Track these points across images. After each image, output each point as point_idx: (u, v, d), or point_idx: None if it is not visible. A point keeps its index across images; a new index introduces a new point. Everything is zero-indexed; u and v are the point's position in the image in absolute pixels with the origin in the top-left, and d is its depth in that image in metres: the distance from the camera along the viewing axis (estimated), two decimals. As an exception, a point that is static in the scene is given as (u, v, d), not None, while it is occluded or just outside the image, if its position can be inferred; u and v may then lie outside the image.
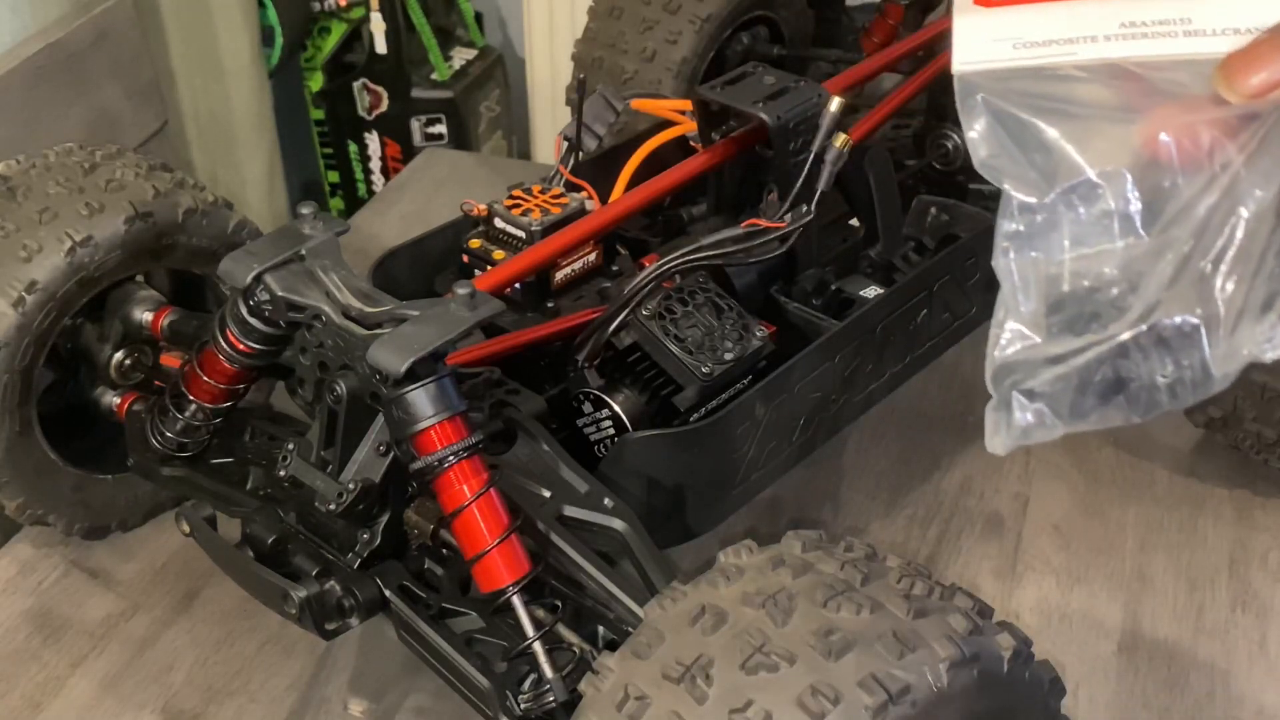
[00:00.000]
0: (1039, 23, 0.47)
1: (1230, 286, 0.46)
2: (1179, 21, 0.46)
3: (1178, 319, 0.47)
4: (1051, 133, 0.46)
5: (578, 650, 0.78)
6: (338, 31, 2.14)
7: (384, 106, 2.20)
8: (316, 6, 2.10)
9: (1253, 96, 0.44)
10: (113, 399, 1.04)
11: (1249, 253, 0.46)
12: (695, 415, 0.94)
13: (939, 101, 1.26)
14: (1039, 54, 0.46)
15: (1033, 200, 0.47)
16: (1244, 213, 0.45)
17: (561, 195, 1.05)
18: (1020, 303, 0.48)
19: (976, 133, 0.47)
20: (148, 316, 1.02)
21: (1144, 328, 0.47)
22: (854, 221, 1.14)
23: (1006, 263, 0.48)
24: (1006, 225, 0.48)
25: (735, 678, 0.61)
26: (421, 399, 0.78)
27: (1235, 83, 0.44)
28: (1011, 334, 0.48)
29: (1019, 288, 0.48)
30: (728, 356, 0.94)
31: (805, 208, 0.99)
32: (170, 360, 1.04)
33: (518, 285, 1.00)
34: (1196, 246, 0.46)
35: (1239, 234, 0.45)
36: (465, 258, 1.03)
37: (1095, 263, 0.47)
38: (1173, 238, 0.46)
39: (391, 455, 0.84)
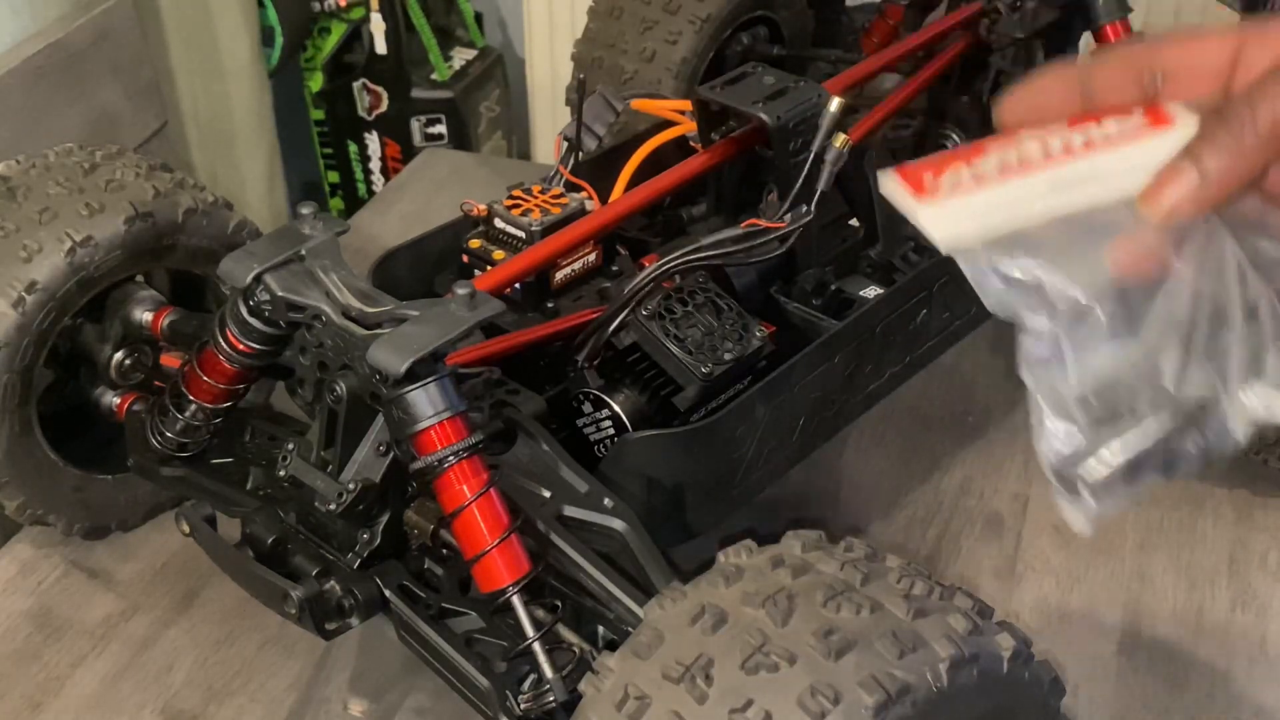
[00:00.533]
0: (985, 199, 0.57)
1: (1221, 366, 0.56)
2: (1092, 175, 0.57)
3: (1192, 398, 0.57)
4: (1040, 271, 0.56)
5: (578, 650, 0.78)
6: (338, 32, 2.14)
7: (384, 107, 2.20)
8: (316, 7, 2.10)
9: (1171, 216, 0.55)
10: (113, 399, 1.04)
11: (1223, 338, 0.56)
12: (695, 415, 0.94)
13: (939, 102, 1.26)
14: (1000, 220, 0.57)
15: (1042, 325, 0.57)
16: (1207, 307, 0.55)
17: (561, 195, 1.05)
18: (1053, 411, 0.57)
19: (982, 284, 0.57)
20: (148, 317, 1.02)
21: (1166, 411, 0.57)
22: (854, 221, 1.14)
23: (1033, 379, 0.57)
24: (1026, 348, 0.57)
25: (735, 677, 0.61)
26: (421, 399, 0.78)
27: (1154, 209, 0.55)
28: (1054, 439, 0.57)
29: (1048, 399, 0.57)
30: (727, 356, 0.94)
31: (805, 208, 0.99)
32: (170, 360, 1.04)
33: (517, 285, 1.00)
34: (1185, 339, 0.56)
35: (1210, 324, 0.56)
36: (465, 258, 1.03)
37: (1106, 367, 0.56)
38: (1160, 336, 0.56)
39: (391, 455, 0.84)
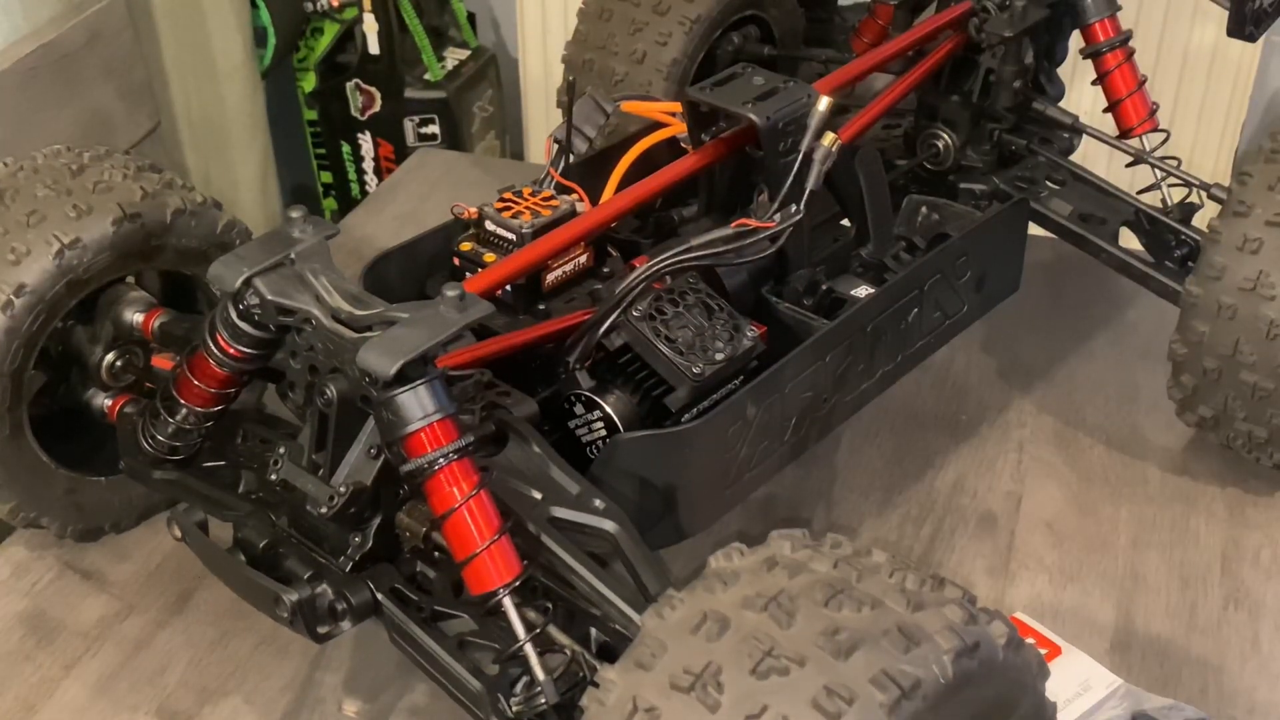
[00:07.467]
0: None
1: None
2: None
3: None
4: None
5: (569, 652, 0.78)
6: (330, 32, 2.14)
7: (377, 107, 2.19)
8: (309, 7, 2.10)
9: None
10: (104, 401, 1.04)
11: None
12: (687, 416, 0.94)
13: (928, 101, 1.26)
14: None
15: None
16: None
17: (552, 198, 1.05)
18: None
19: None
20: (138, 318, 1.02)
21: None
22: (845, 221, 1.14)
23: None
24: None
25: (747, 683, 0.61)
26: (411, 401, 0.78)
27: None
28: None
29: None
30: (719, 357, 0.94)
31: (794, 207, 0.99)
32: (162, 361, 1.03)
33: (509, 288, 1.00)
34: None
35: None
36: (456, 261, 1.03)
37: None
38: None
39: (382, 458, 0.84)
